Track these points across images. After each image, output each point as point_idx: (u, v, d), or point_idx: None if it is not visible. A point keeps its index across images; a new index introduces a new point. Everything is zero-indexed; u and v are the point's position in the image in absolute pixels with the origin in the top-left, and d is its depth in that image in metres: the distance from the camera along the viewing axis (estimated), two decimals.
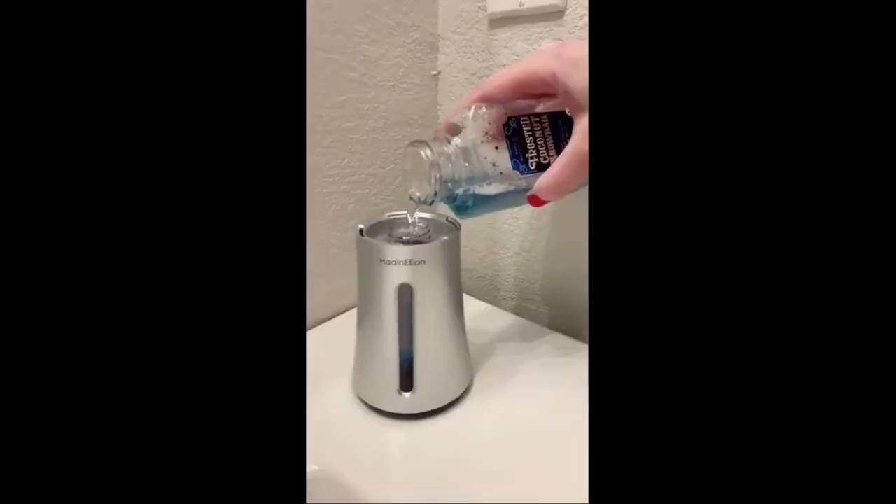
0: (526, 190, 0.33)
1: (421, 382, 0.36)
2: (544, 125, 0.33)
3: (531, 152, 0.32)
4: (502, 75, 0.32)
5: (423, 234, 0.37)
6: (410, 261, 0.34)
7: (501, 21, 0.50)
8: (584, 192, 0.35)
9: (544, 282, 0.55)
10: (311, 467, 0.32)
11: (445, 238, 0.36)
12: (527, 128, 0.33)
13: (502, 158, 0.32)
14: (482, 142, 0.31)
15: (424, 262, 0.34)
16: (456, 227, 0.38)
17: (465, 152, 0.31)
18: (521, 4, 0.47)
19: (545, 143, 0.33)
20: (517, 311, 0.56)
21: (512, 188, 0.33)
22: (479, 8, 0.51)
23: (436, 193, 0.31)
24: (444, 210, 0.37)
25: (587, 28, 0.44)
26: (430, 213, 0.39)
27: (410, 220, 0.38)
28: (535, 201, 0.32)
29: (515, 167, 0.32)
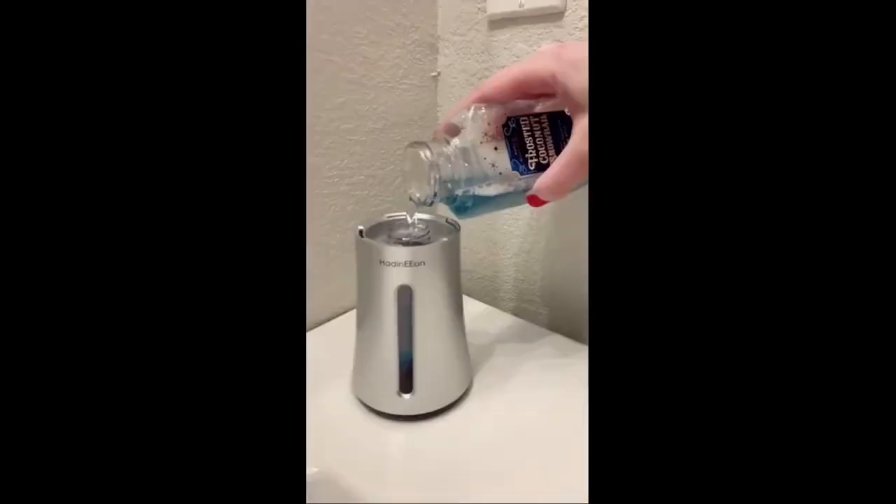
0: (525, 190, 0.33)
1: (420, 384, 0.36)
2: (543, 125, 0.33)
3: (530, 153, 0.32)
4: (501, 76, 0.32)
5: (422, 236, 0.37)
6: (410, 262, 0.34)
7: (501, 22, 0.50)
8: (583, 193, 0.35)
9: (544, 283, 0.55)
10: (310, 469, 0.32)
11: (445, 239, 0.36)
12: (526, 128, 0.33)
13: (501, 159, 0.32)
14: (481, 142, 0.31)
15: (424, 264, 0.34)
16: (455, 229, 0.38)
17: (464, 153, 0.31)
18: (520, 6, 0.47)
19: (544, 143, 0.33)
20: (517, 313, 0.56)
21: (511, 189, 0.33)
22: (479, 9, 0.51)
23: (435, 194, 0.31)
24: (444, 211, 0.37)
25: (587, 29, 0.44)
26: (430, 214, 0.39)
27: (410, 221, 0.38)
28: (535, 201, 0.32)
29: (515, 168, 0.32)
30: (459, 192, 0.32)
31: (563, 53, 0.30)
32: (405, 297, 0.35)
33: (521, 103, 0.33)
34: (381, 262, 0.34)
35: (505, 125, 0.32)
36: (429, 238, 0.37)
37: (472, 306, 0.55)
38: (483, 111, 0.32)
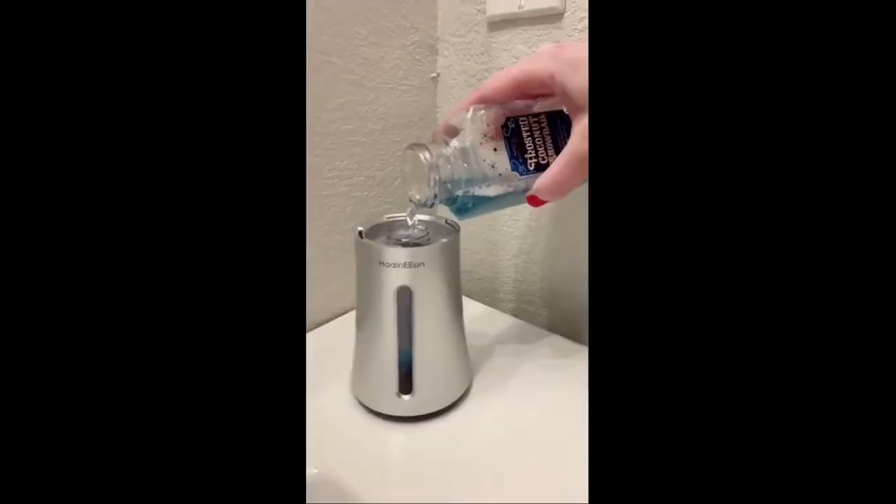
0: (525, 191, 0.33)
1: (420, 385, 0.36)
2: (542, 125, 0.33)
3: (530, 153, 0.32)
4: (500, 77, 0.32)
5: (422, 237, 0.37)
6: (409, 263, 0.34)
7: (500, 24, 0.50)
8: (583, 194, 0.35)
9: (543, 284, 0.55)
10: (310, 470, 0.32)
11: (445, 240, 0.36)
12: (525, 128, 0.33)
13: (501, 160, 0.32)
14: (480, 143, 0.32)
15: (423, 265, 0.34)
16: (455, 230, 0.38)
17: (463, 154, 0.31)
18: (520, 7, 0.47)
19: (543, 143, 0.33)
20: (516, 314, 0.56)
21: (511, 189, 0.33)
22: (479, 10, 0.51)
23: (435, 196, 0.31)
24: (444, 212, 0.37)
25: (586, 30, 0.45)
26: (430, 215, 0.39)
27: (409, 222, 0.38)
28: (535, 202, 0.32)
29: (514, 168, 0.32)
30: (459, 193, 0.32)
31: (561, 53, 0.30)
32: (405, 298, 0.35)
33: (520, 103, 0.33)
34: (380, 263, 0.34)
35: (504, 126, 0.32)
36: (428, 239, 0.37)
37: (471, 307, 0.55)
38: (482, 112, 0.32)
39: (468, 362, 0.40)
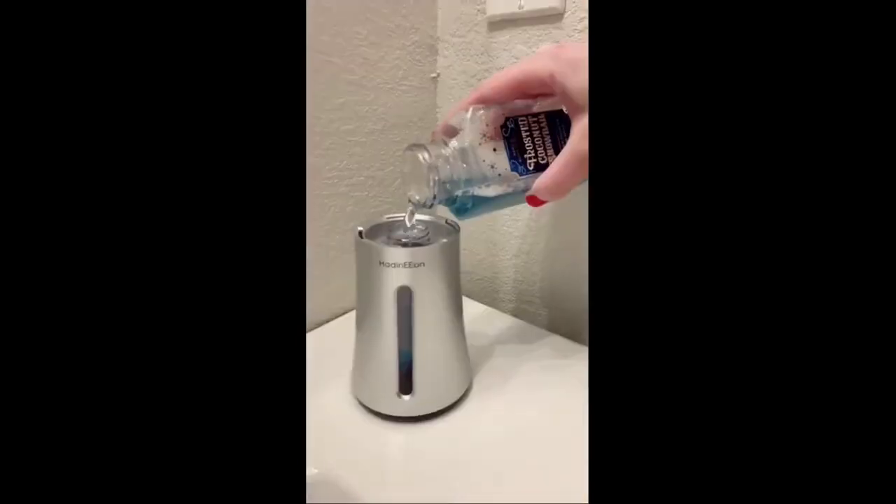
0: (525, 191, 0.33)
1: (420, 385, 0.36)
2: (542, 125, 0.33)
3: (529, 153, 0.32)
4: (500, 77, 0.32)
5: (422, 237, 0.37)
6: (409, 263, 0.34)
7: (500, 24, 0.50)
8: (583, 194, 0.35)
9: (543, 284, 0.55)
10: (310, 470, 0.32)
11: (444, 240, 0.36)
12: (524, 128, 0.33)
13: (500, 160, 0.32)
14: (480, 144, 0.31)
15: (423, 265, 0.34)
16: (455, 230, 0.38)
17: (462, 154, 0.31)
18: (520, 7, 0.47)
19: (543, 143, 0.33)
20: (516, 314, 0.56)
21: (511, 189, 0.33)
22: (479, 10, 0.51)
23: (435, 196, 0.31)
24: (444, 212, 0.37)
25: (586, 31, 0.45)
26: (430, 215, 0.39)
27: (409, 222, 0.38)
28: (534, 202, 0.32)
29: (514, 168, 0.32)
30: (458, 193, 0.32)
31: (561, 53, 0.30)
32: (405, 298, 0.35)
33: (520, 103, 0.33)
34: (380, 263, 0.34)
35: (503, 126, 0.32)
36: (428, 239, 0.37)
37: (471, 307, 0.55)
38: (481, 112, 0.32)
39: (468, 362, 0.40)
